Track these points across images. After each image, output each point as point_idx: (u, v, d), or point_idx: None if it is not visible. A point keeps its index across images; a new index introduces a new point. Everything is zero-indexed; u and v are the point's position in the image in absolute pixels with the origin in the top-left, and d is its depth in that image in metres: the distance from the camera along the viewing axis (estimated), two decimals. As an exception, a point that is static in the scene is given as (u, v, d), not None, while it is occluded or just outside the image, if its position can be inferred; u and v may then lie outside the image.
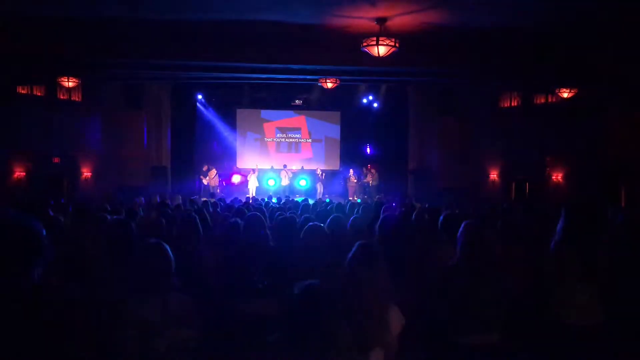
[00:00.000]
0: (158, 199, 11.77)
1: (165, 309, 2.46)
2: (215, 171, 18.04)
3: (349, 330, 2.25)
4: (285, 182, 18.60)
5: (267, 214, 6.72)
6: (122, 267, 2.83)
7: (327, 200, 12.80)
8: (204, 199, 13.44)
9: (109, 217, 4.86)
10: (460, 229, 3.22)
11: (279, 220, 5.34)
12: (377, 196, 15.75)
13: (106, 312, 2.31)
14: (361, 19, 7.42)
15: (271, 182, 18.90)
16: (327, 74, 11.46)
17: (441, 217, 4.14)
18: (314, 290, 2.22)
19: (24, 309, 2.00)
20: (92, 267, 3.28)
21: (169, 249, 2.66)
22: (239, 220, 4.52)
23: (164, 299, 2.50)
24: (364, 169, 18.83)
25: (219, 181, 18.37)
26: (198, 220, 4.59)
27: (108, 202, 7.35)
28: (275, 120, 20.93)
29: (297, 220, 5.21)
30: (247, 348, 3.14)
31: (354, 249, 2.76)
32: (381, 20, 7.44)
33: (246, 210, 6.78)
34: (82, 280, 2.99)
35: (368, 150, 20.70)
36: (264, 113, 20.76)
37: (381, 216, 4.48)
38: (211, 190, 17.44)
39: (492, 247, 3.26)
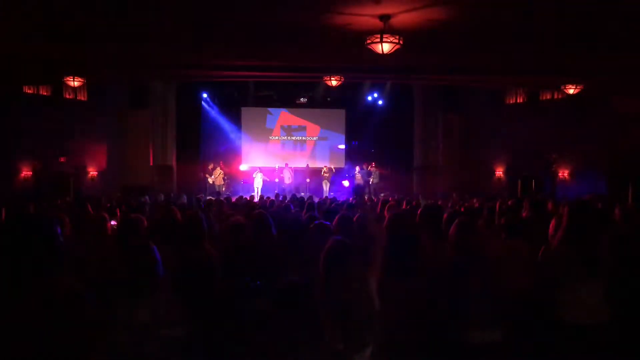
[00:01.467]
0: (162, 198, 11.81)
1: (155, 309, 2.45)
2: (220, 169, 18.07)
3: (337, 331, 2.20)
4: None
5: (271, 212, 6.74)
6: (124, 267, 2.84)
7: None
8: (210, 197, 13.47)
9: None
10: (453, 225, 3.22)
11: (285, 219, 5.33)
12: (382, 194, 15.72)
13: (101, 313, 2.32)
14: (365, 16, 7.39)
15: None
16: (331, 71, 11.45)
17: (444, 215, 4.12)
18: (293, 286, 2.17)
19: (37, 304, 2.03)
20: (95, 265, 3.31)
21: (155, 249, 2.64)
22: (240, 218, 4.52)
23: (152, 300, 2.49)
24: (366, 167, 18.76)
25: (224, 179, 18.39)
26: (204, 219, 4.60)
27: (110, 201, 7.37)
28: (281, 118, 20.93)
29: (302, 218, 5.21)
30: (245, 347, 3.14)
31: (327, 244, 2.76)
32: (385, 18, 7.40)
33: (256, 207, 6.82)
34: (86, 279, 3.02)
35: (373, 148, 20.68)
36: (269, 111, 20.77)
37: (386, 215, 4.47)
38: (217, 189, 17.47)
39: (484, 243, 3.25)
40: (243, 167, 19.64)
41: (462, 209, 7.28)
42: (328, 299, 2.50)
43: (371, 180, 18.19)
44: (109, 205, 8.18)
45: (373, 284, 2.77)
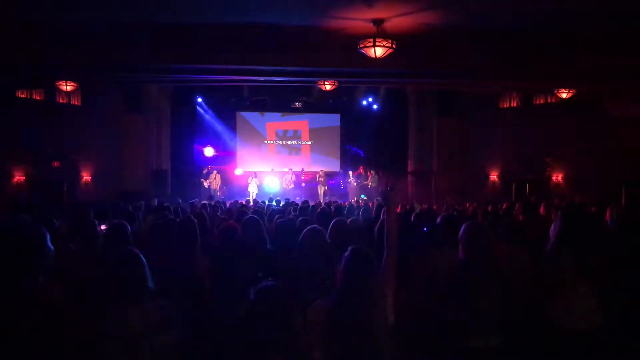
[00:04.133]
0: (156, 202, 11.75)
1: (145, 316, 2.43)
2: (216, 172, 18.00)
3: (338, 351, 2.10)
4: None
5: (265, 217, 6.73)
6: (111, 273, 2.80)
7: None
8: (204, 201, 13.41)
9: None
10: (461, 230, 3.20)
11: (277, 223, 5.31)
12: (377, 198, 15.70)
13: (92, 321, 2.30)
14: (358, 20, 7.41)
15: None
16: (325, 75, 11.45)
17: (439, 219, 4.11)
18: (270, 291, 2.10)
19: (22, 309, 2.01)
20: (85, 272, 3.28)
21: (141, 255, 2.61)
22: (233, 223, 4.50)
23: (142, 306, 2.47)
24: (363, 171, 18.75)
25: (221, 183, 18.30)
26: (196, 224, 4.58)
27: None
28: (275, 123, 20.92)
29: (296, 222, 5.19)
30: (238, 352, 3.11)
31: (346, 255, 2.56)
32: (378, 22, 7.42)
33: (248, 211, 6.79)
34: (75, 285, 2.99)
35: (368, 152, 20.69)
36: (264, 116, 20.76)
37: (381, 218, 4.45)
38: (212, 193, 17.39)
39: (493, 249, 3.23)
40: (238, 172, 19.62)
41: (456, 214, 7.28)
42: (344, 316, 2.39)
43: (370, 184, 18.19)
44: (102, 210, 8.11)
45: (390, 299, 2.65)
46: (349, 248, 2.63)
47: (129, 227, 4.13)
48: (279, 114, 20.83)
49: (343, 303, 2.45)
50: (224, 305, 3.67)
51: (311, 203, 11.37)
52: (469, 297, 3.00)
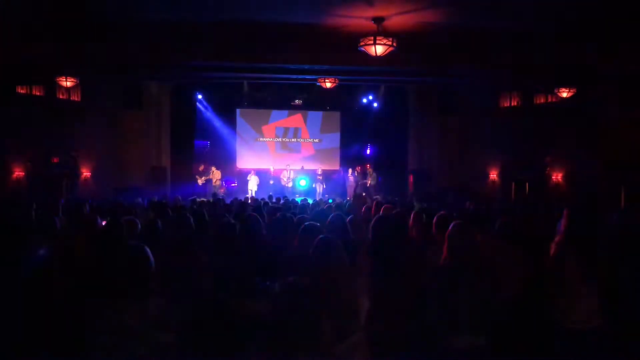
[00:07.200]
0: (156, 199, 11.75)
1: (144, 313, 2.40)
2: (215, 167, 17.97)
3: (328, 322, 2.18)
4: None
5: (265, 214, 6.73)
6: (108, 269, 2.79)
7: (330, 200, 12.81)
8: (203, 199, 13.42)
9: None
10: (449, 229, 3.21)
11: (276, 220, 5.31)
12: (376, 196, 15.71)
13: (88, 315, 2.28)
14: (359, 18, 7.41)
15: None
16: (326, 73, 11.45)
17: (435, 218, 4.10)
18: (295, 287, 2.13)
19: (10, 303, 2.00)
20: (82, 267, 3.28)
21: (148, 252, 2.57)
22: (232, 220, 4.50)
23: (142, 303, 2.44)
24: (359, 170, 18.73)
25: (222, 181, 18.28)
26: (192, 221, 4.58)
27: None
28: (275, 120, 20.89)
29: (294, 220, 5.18)
30: (238, 350, 3.10)
31: (314, 242, 3.00)
32: (378, 20, 7.42)
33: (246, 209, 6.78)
34: (73, 280, 2.99)
35: (368, 150, 20.69)
36: (264, 113, 20.73)
37: (375, 216, 4.45)
38: (212, 191, 17.38)
39: (478, 248, 3.24)
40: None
41: (454, 212, 7.27)
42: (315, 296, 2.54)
43: (368, 182, 18.19)
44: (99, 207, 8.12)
45: (360, 282, 2.89)
46: (319, 237, 3.08)
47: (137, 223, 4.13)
48: (279, 111, 20.80)
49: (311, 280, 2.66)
50: (224, 302, 3.66)
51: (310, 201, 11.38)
52: (451, 295, 3.00)
